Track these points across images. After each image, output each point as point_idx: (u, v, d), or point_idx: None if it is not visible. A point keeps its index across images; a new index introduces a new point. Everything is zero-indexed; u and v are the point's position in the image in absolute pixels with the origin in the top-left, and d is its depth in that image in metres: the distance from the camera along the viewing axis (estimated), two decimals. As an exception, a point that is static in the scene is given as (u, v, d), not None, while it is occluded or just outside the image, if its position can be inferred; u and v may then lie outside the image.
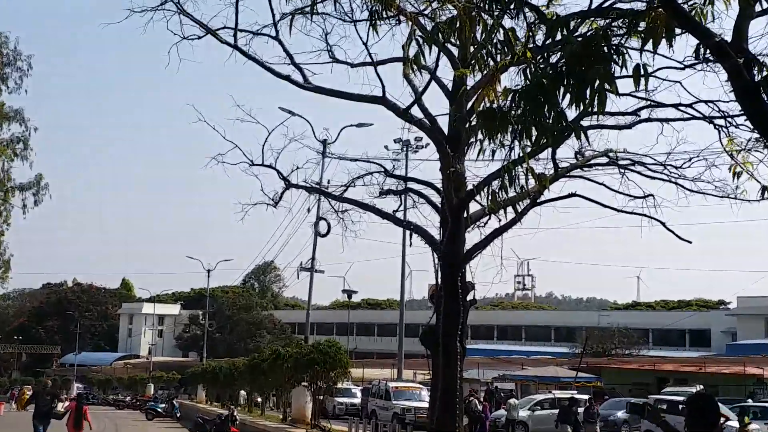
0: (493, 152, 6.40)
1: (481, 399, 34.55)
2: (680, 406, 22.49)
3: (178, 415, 46.24)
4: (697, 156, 14.54)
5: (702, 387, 36.02)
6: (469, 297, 15.67)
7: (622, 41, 6.12)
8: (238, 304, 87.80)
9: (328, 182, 22.01)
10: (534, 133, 6.01)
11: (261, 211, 20.48)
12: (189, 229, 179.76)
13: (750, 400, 36.14)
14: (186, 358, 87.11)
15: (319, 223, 30.34)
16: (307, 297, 40.95)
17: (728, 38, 5.71)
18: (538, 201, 15.22)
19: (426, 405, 25.21)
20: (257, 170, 17.20)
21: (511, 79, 6.58)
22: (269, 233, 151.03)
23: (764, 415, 28.32)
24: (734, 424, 24.59)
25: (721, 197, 14.43)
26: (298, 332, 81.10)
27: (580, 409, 27.45)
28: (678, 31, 5.96)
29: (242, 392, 42.48)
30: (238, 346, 79.60)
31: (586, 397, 30.50)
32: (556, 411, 32.36)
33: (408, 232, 19.80)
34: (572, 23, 6.17)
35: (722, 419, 22.35)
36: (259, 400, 39.55)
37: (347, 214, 17.96)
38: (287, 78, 15.10)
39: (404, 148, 41.59)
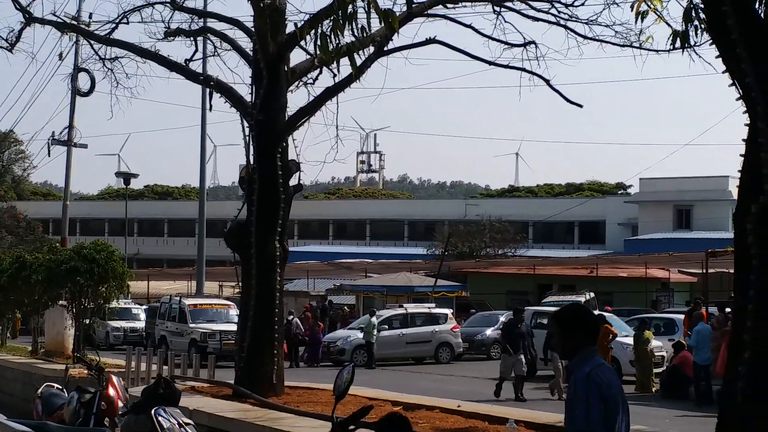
0: (322, -23, 6.33)
1: (309, 316, 35.45)
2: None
3: None
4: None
5: (593, 295, 38.55)
6: (293, 181, 15.79)
7: None
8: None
9: (90, 17, 21.29)
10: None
11: (-9, 59, 19.55)
12: None
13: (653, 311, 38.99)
14: None
15: (77, 76, 29.34)
16: (64, 182, 39.94)
17: None
18: (385, 49, 15.33)
19: (235, 328, 25.61)
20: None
21: None
22: (4, 90, 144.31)
23: (669, 330, 30.23)
24: (628, 340, 26.41)
25: (622, 46, 15.14)
26: (53, 232, 79.33)
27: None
28: None
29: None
30: (-35, 254, 76.92)
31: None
32: (408, 331, 33.81)
33: (207, 91, 19.50)
34: None
35: (610, 336, 24.00)
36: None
37: (118, 64, 17.56)
38: None
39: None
